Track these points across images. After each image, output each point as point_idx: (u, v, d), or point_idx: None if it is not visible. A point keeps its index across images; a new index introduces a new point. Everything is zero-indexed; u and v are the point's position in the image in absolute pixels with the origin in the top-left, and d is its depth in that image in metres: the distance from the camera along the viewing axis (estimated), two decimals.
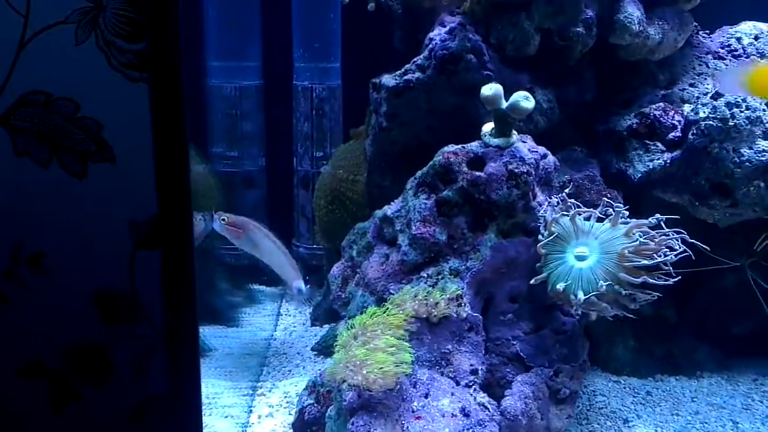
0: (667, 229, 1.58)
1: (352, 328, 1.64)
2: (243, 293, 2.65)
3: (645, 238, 1.55)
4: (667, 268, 1.55)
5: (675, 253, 1.55)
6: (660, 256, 1.54)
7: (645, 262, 1.53)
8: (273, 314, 2.53)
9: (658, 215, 1.59)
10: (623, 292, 1.53)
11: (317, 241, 2.52)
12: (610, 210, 1.65)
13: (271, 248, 1.95)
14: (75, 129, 0.97)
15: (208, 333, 2.29)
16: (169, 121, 0.98)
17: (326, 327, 2.36)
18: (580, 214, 1.67)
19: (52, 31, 0.95)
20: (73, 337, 1.03)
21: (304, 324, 2.46)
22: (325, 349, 2.16)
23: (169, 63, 0.96)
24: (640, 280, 1.52)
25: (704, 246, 1.67)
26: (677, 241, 1.57)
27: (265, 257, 1.96)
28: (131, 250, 1.01)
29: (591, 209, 1.70)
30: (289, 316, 2.53)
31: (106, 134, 0.98)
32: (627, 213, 1.62)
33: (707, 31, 2.16)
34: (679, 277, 1.55)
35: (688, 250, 1.58)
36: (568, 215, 1.67)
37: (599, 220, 1.66)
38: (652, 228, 1.59)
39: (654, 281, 1.53)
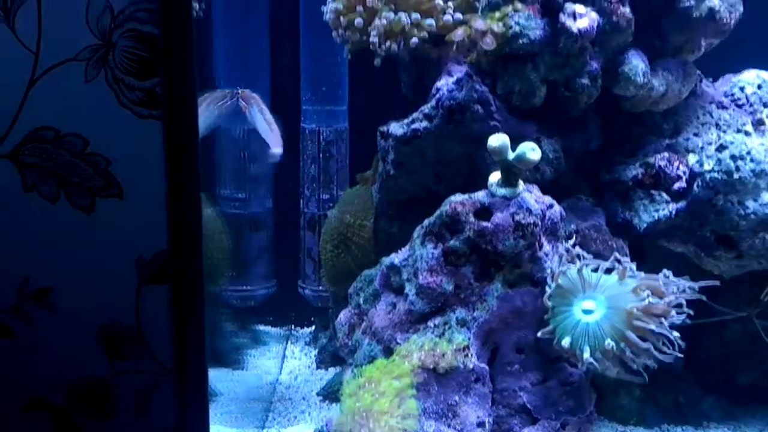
0: (677, 281, 1.59)
1: (359, 377, 1.64)
2: (248, 334, 2.64)
3: (653, 295, 1.55)
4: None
5: (682, 315, 1.56)
6: (668, 320, 1.55)
7: (653, 326, 1.54)
8: (278, 356, 2.53)
9: (665, 271, 1.60)
10: (627, 352, 1.54)
11: (323, 283, 2.53)
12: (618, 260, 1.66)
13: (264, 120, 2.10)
14: (83, 164, 0.99)
15: (213, 376, 2.28)
16: (183, 158, 0.99)
17: (332, 370, 2.35)
18: (587, 266, 1.68)
19: (61, 68, 0.97)
20: (78, 372, 1.03)
21: (309, 367, 2.45)
22: (330, 394, 2.16)
23: (182, 98, 0.98)
24: (645, 345, 1.53)
25: (710, 302, 1.67)
26: (684, 298, 1.59)
27: (258, 125, 2.12)
28: (137, 285, 1.01)
29: (598, 260, 1.71)
30: (295, 358, 2.52)
31: (114, 170, 0.99)
32: (634, 267, 1.63)
33: (710, 79, 2.18)
34: (682, 345, 1.56)
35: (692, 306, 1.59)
36: (575, 267, 1.68)
37: (607, 271, 1.66)
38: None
39: (657, 353, 1.55)
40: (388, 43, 1.97)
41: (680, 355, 1.58)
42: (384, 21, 1.97)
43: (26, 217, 1.00)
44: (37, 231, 1.00)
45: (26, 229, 1.00)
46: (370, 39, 1.98)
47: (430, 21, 1.97)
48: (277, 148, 2.03)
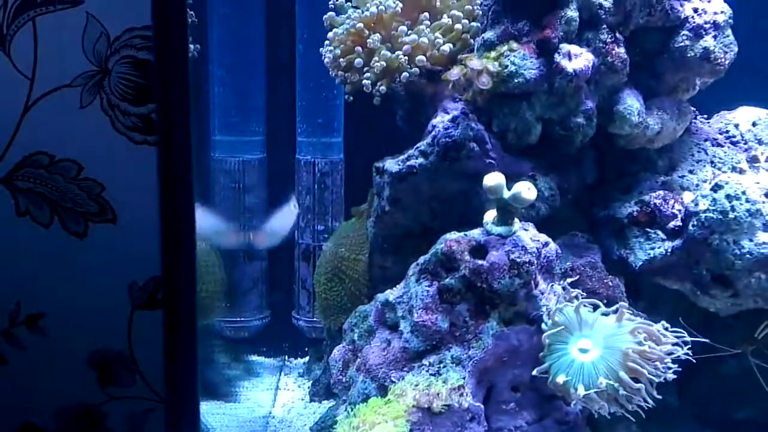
0: (672, 337, 1.60)
1: (353, 417, 1.63)
2: (241, 365, 2.63)
3: (650, 339, 1.56)
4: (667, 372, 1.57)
5: (674, 369, 1.58)
6: (662, 364, 1.55)
7: (647, 369, 1.54)
8: (271, 388, 2.51)
9: (664, 323, 1.61)
10: (621, 392, 1.54)
11: (317, 314, 2.52)
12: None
13: None
14: (77, 189, 0.98)
15: (205, 409, 2.26)
16: (177, 184, 0.99)
17: (326, 403, 2.34)
18: (584, 306, 1.68)
19: (57, 94, 0.97)
20: (69, 398, 1.03)
21: (303, 399, 2.43)
22: (323, 429, 2.14)
23: (177, 124, 0.98)
24: (639, 386, 1.53)
25: (706, 339, 1.68)
26: (680, 345, 1.60)
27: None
28: (130, 311, 1.01)
29: (596, 299, 1.71)
30: (288, 390, 2.51)
31: (107, 195, 0.99)
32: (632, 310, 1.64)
33: (705, 116, 2.20)
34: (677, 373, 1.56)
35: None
36: (572, 305, 1.68)
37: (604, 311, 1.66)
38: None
39: (650, 393, 1.55)
40: (380, 85, 1.99)
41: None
42: (382, 62, 1.99)
43: (19, 241, 1.00)
44: (29, 256, 1.00)
45: (19, 254, 0.99)
46: (364, 80, 2.00)
47: (421, 57, 1.99)
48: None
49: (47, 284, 1.01)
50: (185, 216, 1.00)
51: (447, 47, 2.01)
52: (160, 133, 0.97)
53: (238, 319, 2.59)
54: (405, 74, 2.00)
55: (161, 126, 0.97)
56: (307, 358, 2.66)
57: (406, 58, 2.00)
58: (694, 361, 1.65)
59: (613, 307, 1.68)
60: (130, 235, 1.00)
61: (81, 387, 1.03)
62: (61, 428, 1.04)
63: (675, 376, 1.60)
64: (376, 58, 2.01)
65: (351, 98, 2.14)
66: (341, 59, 2.07)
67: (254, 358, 2.71)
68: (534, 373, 1.69)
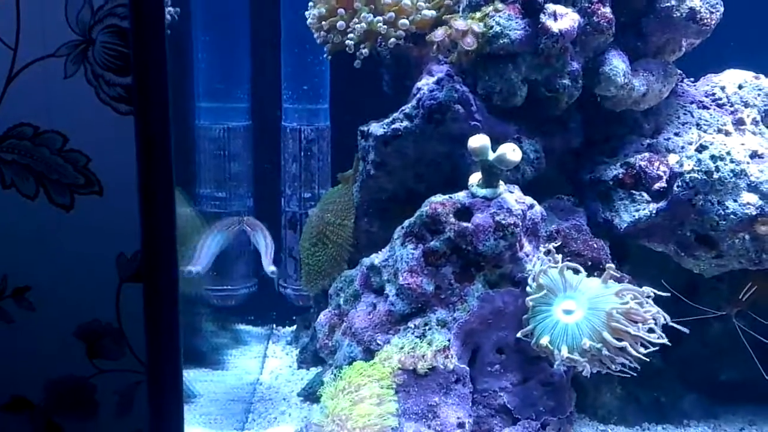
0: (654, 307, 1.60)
1: (339, 380, 1.63)
2: (228, 334, 2.62)
3: (635, 302, 1.56)
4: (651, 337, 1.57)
5: (656, 336, 1.59)
6: (645, 326, 1.56)
7: (631, 330, 1.54)
8: (259, 356, 2.51)
9: (648, 288, 1.61)
10: (605, 352, 1.54)
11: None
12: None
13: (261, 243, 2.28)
14: (62, 161, 0.97)
15: (192, 377, 2.27)
16: (155, 155, 0.98)
17: (313, 370, 2.34)
18: (569, 268, 1.68)
19: (40, 64, 0.96)
20: (58, 371, 1.03)
21: (290, 366, 2.43)
22: (311, 394, 2.14)
23: (155, 96, 0.96)
24: (622, 344, 1.53)
25: (690, 302, 1.68)
26: (663, 317, 1.60)
27: (260, 248, 2.28)
28: (118, 283, 1.00)
29: (581, 261, 1.72)
30: (276, 357, 2.51)
31: (93, 167, 0.98)
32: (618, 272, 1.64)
33: (692, 79, 2.19)
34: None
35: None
36: (556, 267, 1.68)
37: (588, 273, 1.67)
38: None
39: (634, 351, 1.55)
40: (363, 47, 1.97)
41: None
42: (363, 24, 1.97)
43: (5, 214, 0.99)
44: (15, 228, 0.99)
45: (4, 227, 0.98)
46: (346, 42, 1.98)
47: (404, 21, 1.97)
48: (270, 267, 2.19)
49: (34, 257, 1.00)
50: (164, 188, 0.99)
51: (430, 12, 1.98)
52: (137, 103, 0.96)
53: (225, 287, 2.58)
54: (392, 39, 1.98)
55: (138, 96, 0.96)
56: (295, 326, 2.66)
57: (387, 22, 1.97)
58: (677, 326, 1.65)
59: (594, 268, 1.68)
60: (117, 207, 0.99)
61: (70, 359, 1.02)
62: (50, 400, 1.04)
63: (663, 341, 1.60)
64: (356, 20, 1.98)
65: (329, 57, 2.11)
66: (324, 21, 2.05)
67: (242, 326, 2.71)
68: (518, 335, 1.69)
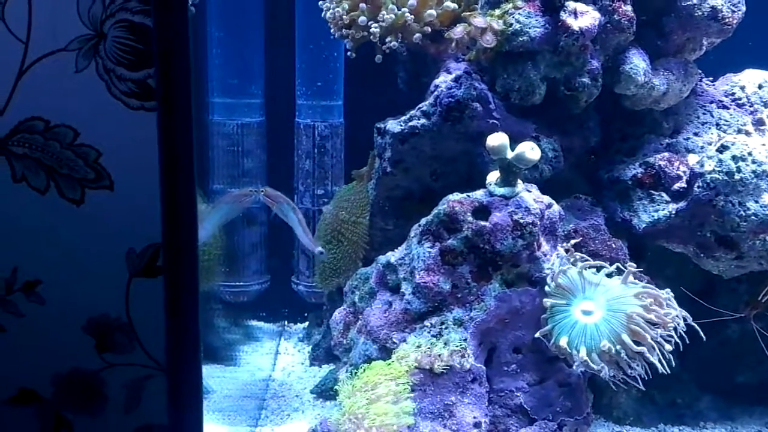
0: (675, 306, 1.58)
1: (355, 379, 1.63)
2: (241, 330, 2.62)
3: (654, 304, 1.55)
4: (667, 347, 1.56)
5: (673, 339, 1.58)
6: (665, 330, 1.55)
7: (650, 334, 1.53)
8: (271, 353, 2.51)
9: (668, 290, 1.60)
10: (623, 355, 1.53)
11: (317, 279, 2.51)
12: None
13: (294, 220, 2.16)
14: (73, 156, 0.97)
15: (205, 373, 2.26)
16: (178, 150, 0.97)
17: (326, 368, 2.34)
18: (588, 267, 1.66)
19: (51, 59, 0.95)
20: (67, 365, 1.02)
21: (302, 363, 2.43)
22: (324, 392, 2.14)
23: (178, 90, 0.96)
24: (639, 349, 1.52)
25: (709, 304, 1.67)
26: (684, 319, 1.58)
27: (291, 224, 2.17)
28: (127, 278, 1.00)
29: (599, 261, 1.70)
30: (288, 354, 2.50)
31: (104, 161, 0.97)
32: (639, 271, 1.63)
33: (711, 79, 2.17)
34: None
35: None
36: (575, 267, 1.66)
37: (607, 274, 1.65)
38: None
39: (651, 357, 1.54)
40: (389, 39, 1.96)
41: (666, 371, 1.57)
42: (391, 15, 1.95)
43: (15, 208, 0.98)
44: (26, 222, 0.98)
45: (15, 221, 0.98)
46: (372, 31, 1.96)
47: (431, 11, 1.95)
48: (317, 248, 2.11)
49: (44, 251, 0.99)
50: (186, 183, 0.98)
51: (452, 5, 1.97)
52: (160, 99, 0.95)
53: (238, 283, 2.57)
54: (417, 35, 1.97)
55: (161, 92, 0.95)
56: (307, 323, 2.66)
57: (412, 12, 1.96)
58: (697, 327, 1.64)
59: (614, 266, 1.67)
60: (128, 202, 0.98)
61: (79, 353, 1.02)
62: (58, 394, 1.03)
63: (673, 348, 1.59)
64: (384, 12, 1.96)
65: (354, 55, 2.10)
66: (344, 16, 2.03)
67: (254, 323, 2.71)
68: (537, 335, 1.68)
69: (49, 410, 1.04)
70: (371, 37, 1.98)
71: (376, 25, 1.97)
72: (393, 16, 1.96)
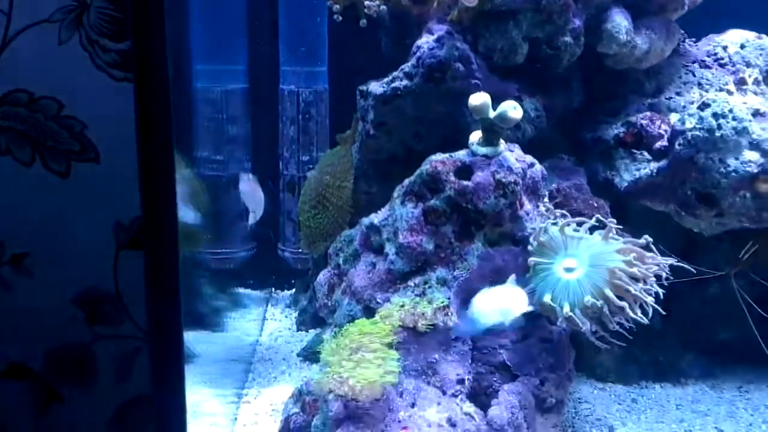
0: (657, 255, 1.59)
1: (338, 337, 1.63)
2: (228, 297, 2.63)
3: (636, 259, 1.55)
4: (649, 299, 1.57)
5: (654, 290, 1.57)
6: (647, 282, 1.55)
7: (632, 288, 1.54)
8: (258, 319, 2.52)
9: (647, 237, 1.60)
10: (605, 310, 1.54)
11: (302, 245, 2.51)
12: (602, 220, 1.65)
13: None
14: (58, 128, 0.97)
15: (192, 338, 2.27)
16: (154, 121, 0.97)
17: (312, 332, 2.35)
18: (569, 225, 1.67)
19: (34, 30, 0.94)
20: (57, 338, 1.02)
21: (289, 329, 2.45)
22: (311, 355, 2.16)
23: (153, 62, 0.95)
24: (622, 304, 1.53)
25: (690, 265, 1.68)
26: (665, 267, 1.59)
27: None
28: (115, 250, 1.00)
29: (582, 218, 1.70)
30: (275, 320, 2.52)
31: (89, 133, 0.97)
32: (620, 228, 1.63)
33: (693, 39, 2.17)
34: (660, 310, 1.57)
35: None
36: (557, 225, 1.67)
37: (590, 230, 1.66)
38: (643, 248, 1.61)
39: (633, 314, 1.55)
40: (377, 3, 1.94)
41: (645, 322, 1.58)
42: None
43: (1, 181, 0.98)
44: (12, 195, 0.98)
45: (1, 194, 0.98)
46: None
47: None
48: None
49: (31, 224, 0.99)
50: (164, 154, 0.98)
51: None
52: (135, 69, 0.95)
53: (224, 250, 2.58)
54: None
55: (137, 62, 0.95)
56: (294, 289, 2.67)
57: None
58: (672, 283, 1.64)
59: (593, 219, 1.67)
60: (114, 175, 0.98)
61: (69, 326, 1.02)
62: (49, 367, 1.03)
63: (654, 302, 1.60)
64: None
65: (340, 18, 2.08)
66: None
67: (241, 290, 2.72)
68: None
69: (41, 384, 1.04)
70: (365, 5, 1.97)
71: None
72: None
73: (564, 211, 1.75)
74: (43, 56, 0.95)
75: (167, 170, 0.99)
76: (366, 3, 1.95)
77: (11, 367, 1.03)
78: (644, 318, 1.56)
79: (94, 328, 1.02)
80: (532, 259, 1.66)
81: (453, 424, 1.51)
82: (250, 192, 2.25)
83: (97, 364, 1.04)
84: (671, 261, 1.63)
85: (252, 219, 2.24)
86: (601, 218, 1.70)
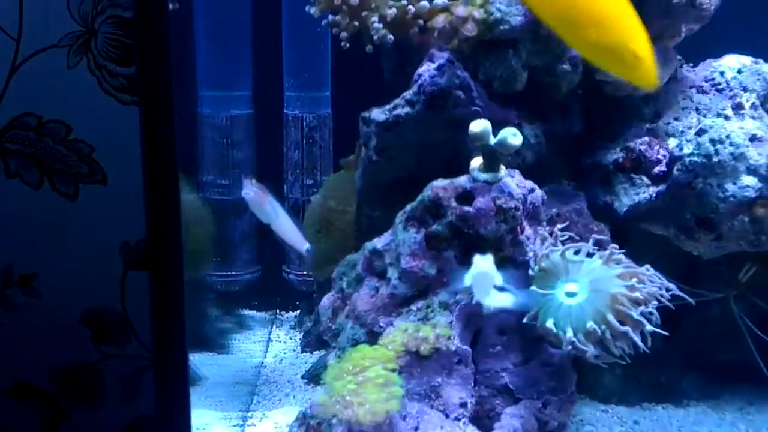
0: (659, 279, 1.61)
1: (342, 361, 1.65)
2: (233, 319, 2.65)
3: (638, 283, 1.57)
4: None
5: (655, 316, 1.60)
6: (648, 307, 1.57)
7: (634, 314, 1.56)
8: (263, 340, 2.54)
9: (648, 266, 1.63)
10: (607, 335, 1.56)
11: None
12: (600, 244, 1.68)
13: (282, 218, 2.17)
14: (66, 151, 0.98)
15: (198, 360, 2.30)
16: (159, 144, 0.99)
17: (317, 354, 2.36)
18: (570, 249, 1.69)
19: (44, 55, 0.97)
20: (64, 358, 1.04)
21: (294, 350, 2.46)
22: (315, 377, 2.17)
23: (159, 86, 0.98)
24: (624, 329, 1.55)
25: (691, 285, 1.70)
26: (665, 292, 1.61)
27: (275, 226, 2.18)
28: (122, 270, 1.02)
29: (582, 243, 1.73)
30: (280, 342, 2.53)
31: (97, 156, 0.99)
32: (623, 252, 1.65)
33: (691, 65, 2.20)
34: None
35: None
36: (558, 250, 1.69)
37: (588, 255, 1.68)
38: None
39: (634, 338, 1.57)
40: (384, 32, 1.96)
41: (645, 348, 1.60)
42: (393, 10, 1.96)
43: (9, 203, 1.00)
44: (20, 218, 1.00)
45: (10, 216, 1.00)
46: (375, 27, 1.96)
47: (424, 2, 1.97)
48: (305, 246, 2.15)
49: (39, 246, 1.01)
50: (169, 177, 1.00)
51: (441, 1, 1.98)
52: (141, 93, 0.97)
53: (229, 272, 2.60)
54: (415, 29, 1.98)
55: (142, 86, 0.97)
56: (298, 311, 2.68)
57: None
58: (673, 307, 1.66)
59: (590, 241, 1.69)
60: (121, 196, 1.00)
61: (75, 346, 1.03)
62: (57, 387, 1.05)
63: (657, 323, 1.62)
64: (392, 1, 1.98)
65: (348, 45, 2.11)
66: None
67: (246, 312, 2.73)
68: (524, 321, 1.70)
69: (48, 403, 1.05)
70: (372, 31, 1.99)
71: (375, 20, 1.97)
72: (395, 10, 1.97)
73: (571, 234, 1.77)
74: (51, 80, 0.97)
75: (172, 192, 1.01)
76: (373, 27, 1.97)
77: (18, 386, 1.05)
78: (644, 346, 1.58)
79: (101, 347, 1.04)
80: (533, 288, 1.68)
81: None
82: (257, 201, 2.18)
83: (104, 384, 1.05)
84: (673, 286, 1.65)
85: (296, 241, 2.15)
86: (601, 240, 1.72)
